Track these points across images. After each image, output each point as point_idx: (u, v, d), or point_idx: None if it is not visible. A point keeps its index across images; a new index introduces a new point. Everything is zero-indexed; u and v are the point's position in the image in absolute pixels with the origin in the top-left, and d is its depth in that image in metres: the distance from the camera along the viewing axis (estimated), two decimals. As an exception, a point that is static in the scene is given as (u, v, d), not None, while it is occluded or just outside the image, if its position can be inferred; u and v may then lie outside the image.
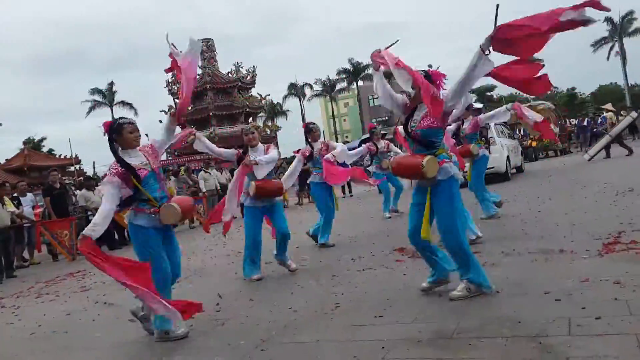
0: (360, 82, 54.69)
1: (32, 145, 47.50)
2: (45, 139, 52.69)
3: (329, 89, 55.98)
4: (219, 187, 14.81)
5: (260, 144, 5.96)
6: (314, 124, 7.62)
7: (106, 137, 3.97)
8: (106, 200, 3.85)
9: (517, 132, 24.31)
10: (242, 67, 38.11)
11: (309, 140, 7.28)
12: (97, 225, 3.72)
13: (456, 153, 6.76)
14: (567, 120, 29.37)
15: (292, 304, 4.45)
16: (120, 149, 3.99)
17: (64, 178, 14.17)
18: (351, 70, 53.65)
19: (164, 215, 3.94)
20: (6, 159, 43.33)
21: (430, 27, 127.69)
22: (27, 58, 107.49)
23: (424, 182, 4.00)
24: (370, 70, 43.29)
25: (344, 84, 55.89)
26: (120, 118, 4.13)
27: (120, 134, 3.94)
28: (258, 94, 39.99)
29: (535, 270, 4.36)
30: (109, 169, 3.94)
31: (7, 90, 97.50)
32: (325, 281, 5.17)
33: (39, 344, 4.49)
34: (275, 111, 55.50)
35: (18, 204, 10.65)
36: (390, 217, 9.63)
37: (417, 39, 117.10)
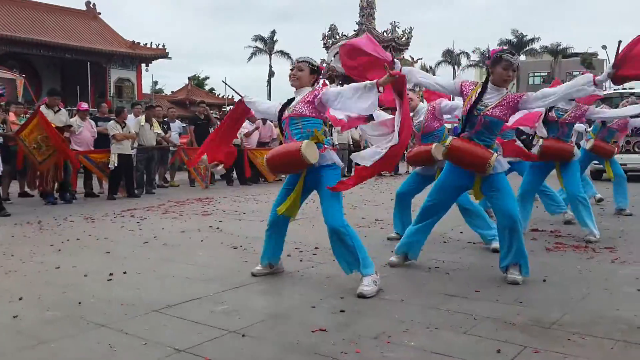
0: (522, 57, 50.94)
1: (196, 83, 51.30)
2: (208, 78, 56.41)
3: (487, 60, 52.30)
4: (351, 143, 14.73)
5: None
6: None
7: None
8: None
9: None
10: (398, 27, 37.28)
11: None
12: None
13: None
14: None
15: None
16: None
17: (211, 112, 14.89)
18: (514, 42, 49.99)
19: None
20: (172, 91, 47.50)
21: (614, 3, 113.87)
22: (208, 3, 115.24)
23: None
24: (535, 45, 39.26)
25: (505, 56, 52.07)
26: (504, 49, 3.84)
27: (494, 67, 3.79)
28: (410, 56, 39.03)
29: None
30: None
31: (185, 30, 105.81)
32: (433, 246, 4.82)
33: (146, 252, 4.80)
34: (425, 77, 53.94)
35: (167, 129, 11.48)
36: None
37: (590, 14, 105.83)
